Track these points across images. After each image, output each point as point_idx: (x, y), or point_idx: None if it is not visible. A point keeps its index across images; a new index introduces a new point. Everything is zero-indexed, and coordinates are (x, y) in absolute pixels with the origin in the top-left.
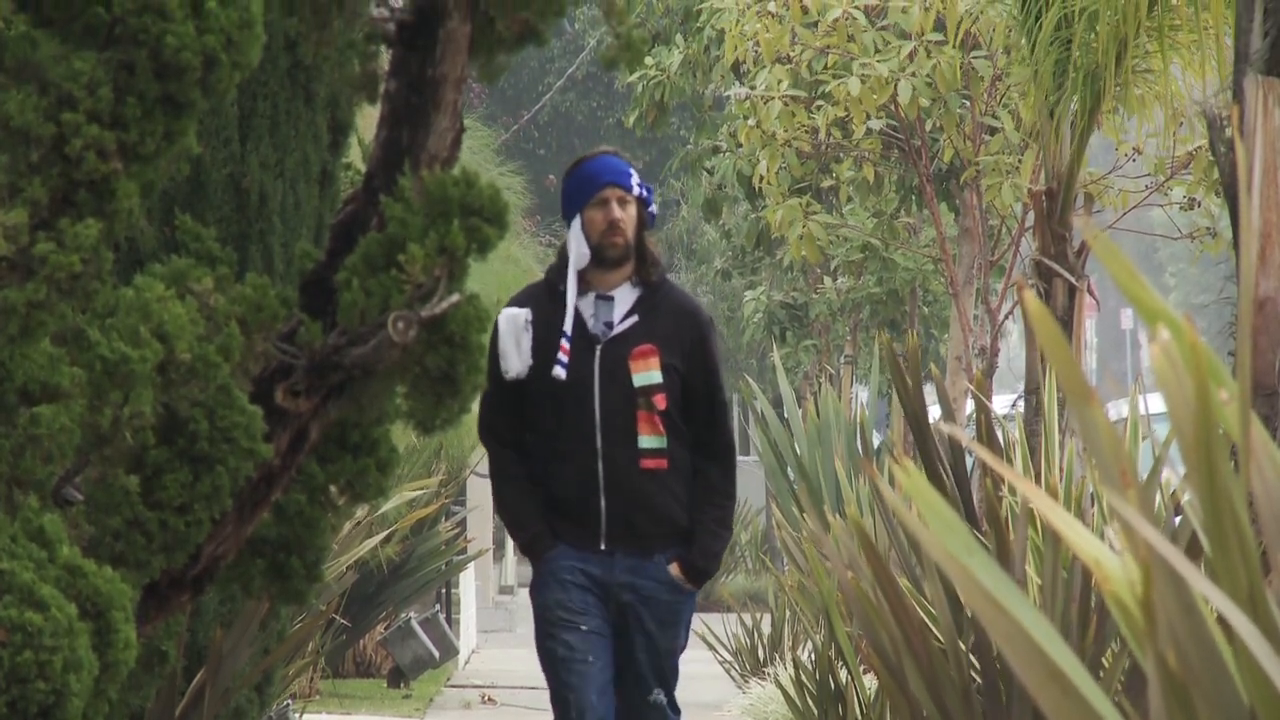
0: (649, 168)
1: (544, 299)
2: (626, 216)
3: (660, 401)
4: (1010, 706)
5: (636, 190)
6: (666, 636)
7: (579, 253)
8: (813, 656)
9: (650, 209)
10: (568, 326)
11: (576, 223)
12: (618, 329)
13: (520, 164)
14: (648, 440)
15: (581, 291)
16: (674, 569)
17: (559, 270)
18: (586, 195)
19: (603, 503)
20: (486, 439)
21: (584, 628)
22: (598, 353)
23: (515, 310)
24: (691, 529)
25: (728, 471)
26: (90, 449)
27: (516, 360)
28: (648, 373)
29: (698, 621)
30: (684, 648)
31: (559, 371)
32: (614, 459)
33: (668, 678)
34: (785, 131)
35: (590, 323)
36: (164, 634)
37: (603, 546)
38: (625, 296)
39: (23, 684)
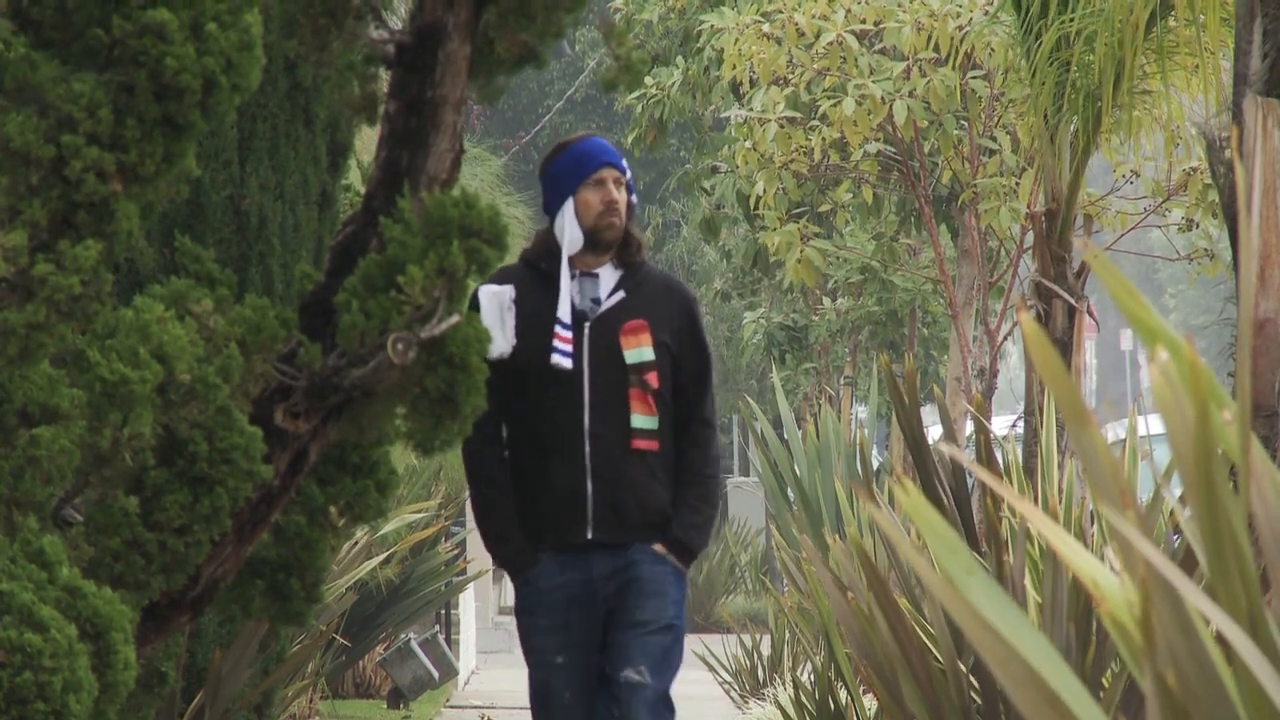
0: (648, 188)
1: (525, 280)
2: (622, 198)
3: (653, 379)
4: None
5: (628, 175)
6: (648, 608)
7: (572, 237)
8: (812, 677)
9: (632, 197)
10: (564, 314)
11: (569, 205)
12: (606, 305)
13: (520, 186)
14: (641, 420)
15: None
16: (657, 546)
17: (541, 254)
18: (581, 175)
19: (589, 487)
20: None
21: (559, 660)
22: (586, 330)
23: (497, 287)
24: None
25: (709, 453)
26: (90, 470)
27: (501, 340)
28: (640, 349)
29: (697, 642)
30: (679, 633)
31: (561, 360)
32: (603, 440)
33: (653, 656)
34: (782, 154)
35: (576, 300)
36: (163, 655)
37: (589, 535)
38: (609, 274)
39: (22, 705)
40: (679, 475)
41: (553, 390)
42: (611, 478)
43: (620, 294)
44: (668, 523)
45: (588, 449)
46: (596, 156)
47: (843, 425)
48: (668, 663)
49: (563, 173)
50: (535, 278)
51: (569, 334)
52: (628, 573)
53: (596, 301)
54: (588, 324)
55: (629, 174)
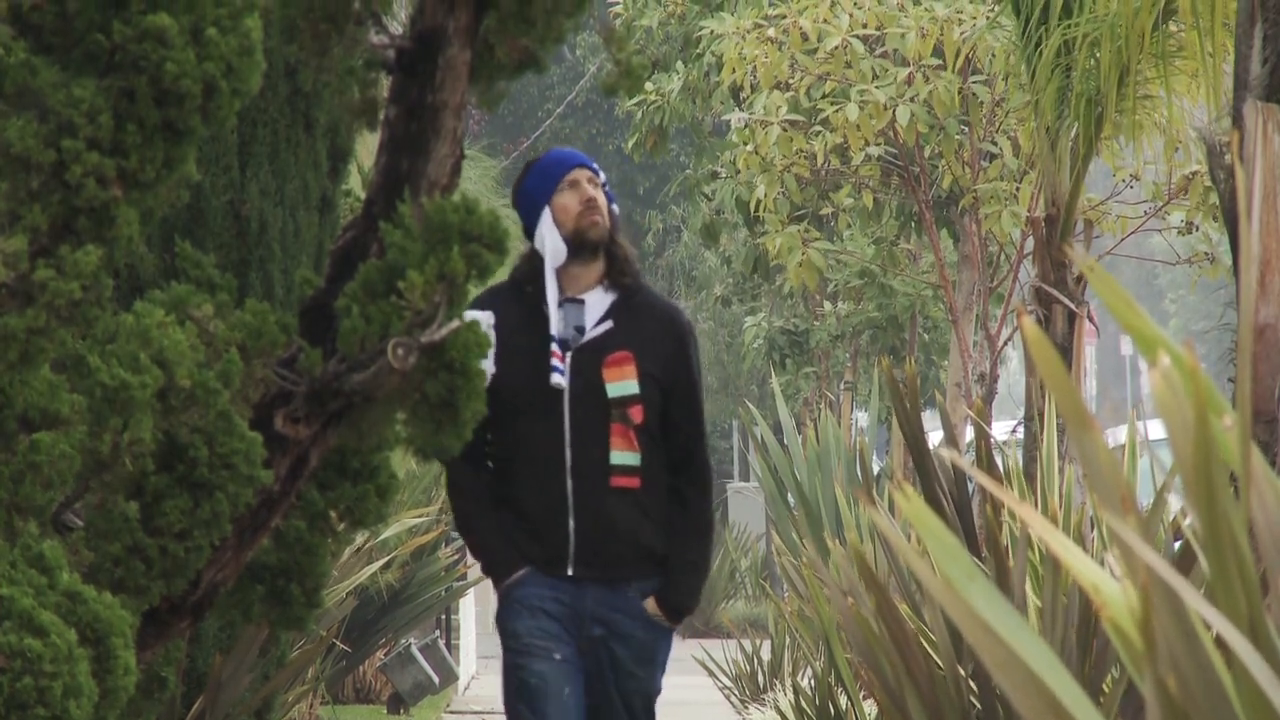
0: (648, 194)
1: (509, 301)
2: (600, 198)
3: (636, 414)
4: None
5: (603, 178)
6: (645, 677)
7: (555, 249)
8: (813, 682)
9: (613, 206)
10: (555, 330)
11: (546, 216)
12: (590, 334)
13: None
14: (621, 456)
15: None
16: (650, 605)
17: (527, 272)
18: (553, 182)
19: (571, 524)
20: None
21: (557, 656)
22: (568, 359)
23: (477, 314)
24: (667, 556)
25: (706, 495)
26: (90, 475)
27: None
28: (623, 382)
29: (697, 648)
30: (659, 691)
31: (558, 380)
32: (584, 476)
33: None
34: (784, 158)
35: (559, 328)
36: (163, 660)
37: (570, 573)
38: (598, 300)
39: (22, 710)
40: (678, 524)
41: (534, 421)
42: (592, 516)
43: (608, 323)
44: (658, 558)
45: (570, 485)
46: (565, 160)
47: (843, 430)
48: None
49: (534, 186)
50: (520, 300)
51: (561, 350)
52: (621, 629)
53: (580, 330)
54: (569, 353)
55: (603, 177)
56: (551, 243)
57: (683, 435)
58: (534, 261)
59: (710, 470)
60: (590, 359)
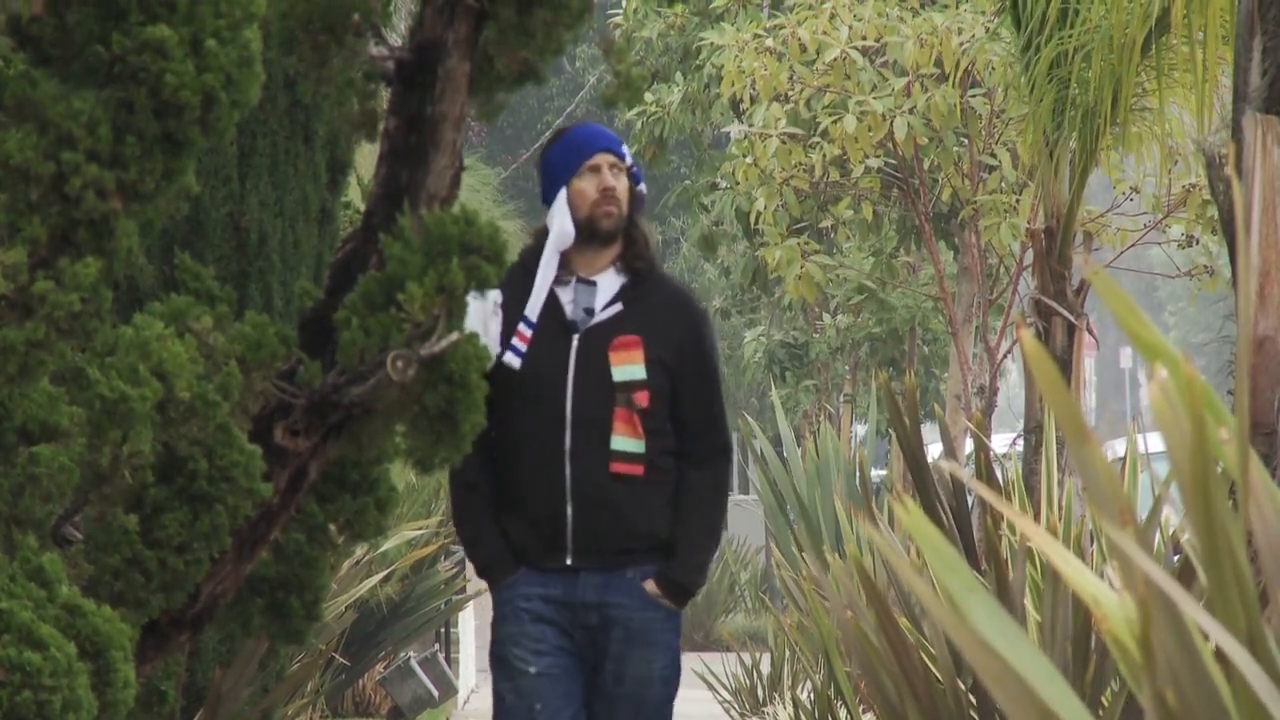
0: (647, 205)
1: (517, 281)
2: (620, 186)
3: (642, 399)
4: None
5: (629, 160)
6: (639, 661)
7: (562, 231)
8: (812, 696)
9: (640, 187)
10: (530, 311)
11: (562, 196)
12: (599, 317)
13: (520, 203)
14: (623, 442)
15: (562, 277)
16: (650, 585)
17: (533, 251)
18: (575, 163)
19: (569, 511)
20: None
21: (533, 670)
22: (574, 342)
23: (488, 291)
24: (672, 542)
25: (720, 480)
26: (89, 488)
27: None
28: (629, 366)
29: (697, 661)
30: (672, 684)
31: (511, 359)
32: (583, 461)
33: (645, 714)
34: (783, 170)
35: (569, 309)
36: (163, 673)
37: (569, 561)
38: (609, 283)
39: None
40: (683, 502)
41: (535, 404)
42: (593, 502)
43: (617, 306)
44: (661, 545)
45: (569, 470)
46: (591, 142)
47: (842, 443)
48: (661, 715)
49: (556, 161)
50: (526, 282)
51: (529, 332)
52: (615, 612)
53: (590, 312)
54: (577, 336)
55: (630, 159)
56: (559, 225)
57: (696, 422)
58: (541, 240)
59: (727, 454)
60: (597, 341)
